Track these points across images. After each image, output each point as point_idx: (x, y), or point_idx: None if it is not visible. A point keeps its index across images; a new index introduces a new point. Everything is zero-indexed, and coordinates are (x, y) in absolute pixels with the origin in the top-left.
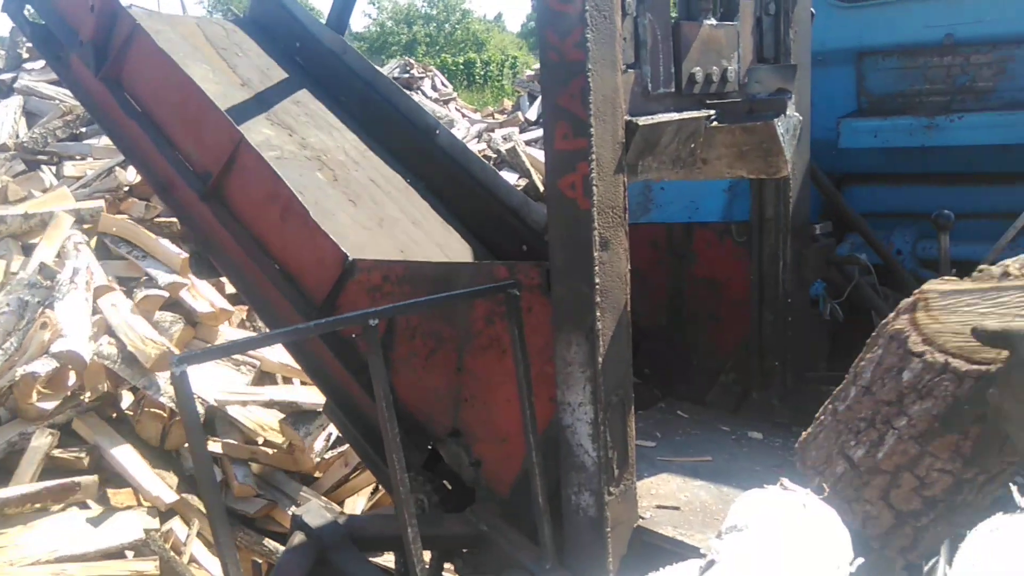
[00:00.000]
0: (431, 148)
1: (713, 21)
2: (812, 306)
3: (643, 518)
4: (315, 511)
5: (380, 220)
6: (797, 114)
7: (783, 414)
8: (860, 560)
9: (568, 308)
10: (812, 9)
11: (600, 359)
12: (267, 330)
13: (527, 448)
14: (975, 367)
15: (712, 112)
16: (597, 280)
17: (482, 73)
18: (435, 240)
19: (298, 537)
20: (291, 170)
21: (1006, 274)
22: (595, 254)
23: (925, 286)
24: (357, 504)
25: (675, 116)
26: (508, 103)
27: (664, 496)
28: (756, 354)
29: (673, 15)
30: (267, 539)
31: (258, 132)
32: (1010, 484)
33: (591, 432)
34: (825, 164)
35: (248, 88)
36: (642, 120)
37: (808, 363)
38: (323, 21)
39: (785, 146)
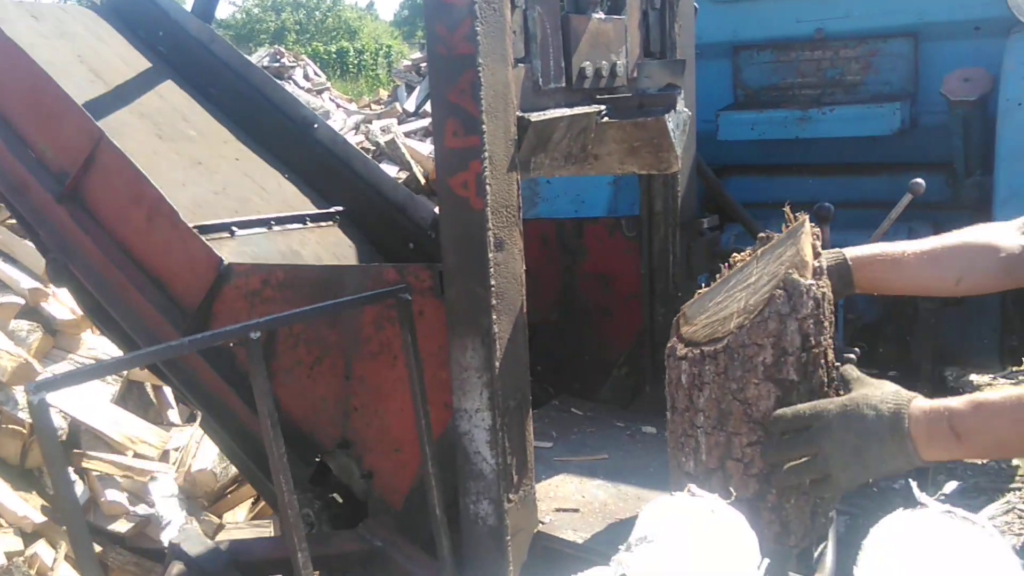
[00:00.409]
0: (309, 142)
1: (601, 14)
2: None
3: (543, 523)
4: (194, 538)
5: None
6: (686, 109)
7: None
8: (767, 561)
9: (463, 311)
10: (695, 3)
11: (497, 363)
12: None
13: (422, 457)
14: (716, 344)
15: (603, 107)
16: (493, 282)
17: (356, 62)
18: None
19: (176, 568)
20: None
21: (733, 263)
22: (490, 255)
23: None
24: (238, 516)
25: (566, 112)
26: (384, 93)
27: (563, 498)
28: (648, 348)
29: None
30: (142, 557)
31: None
32: (909, 480)
33: (489, 439)
34: (705, 156)
35: (108, 80)
36: (534, 116)
37: None
38: (188, 8)
39: (676, 142)
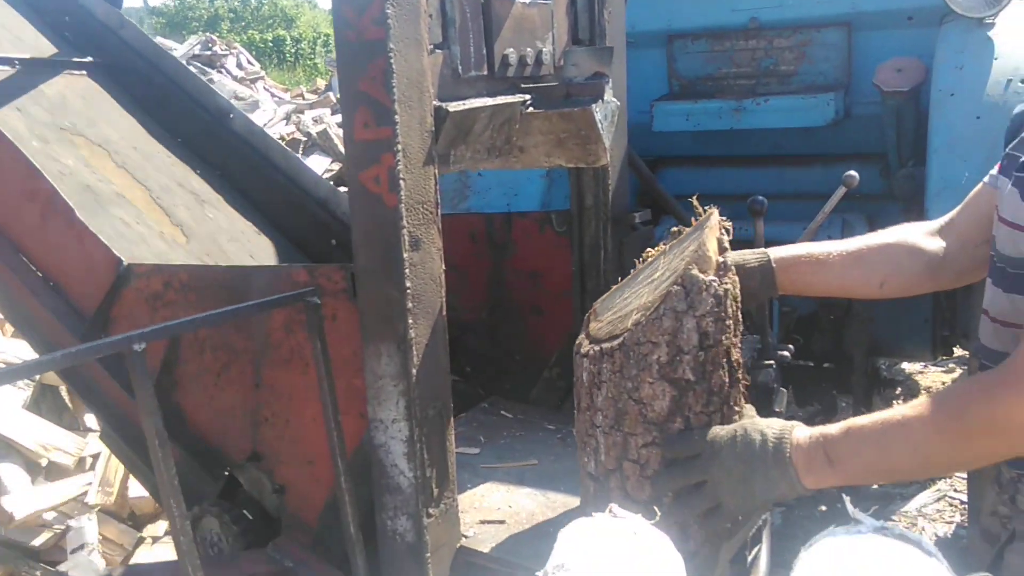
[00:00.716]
0: (225, 134)
1: None
2: None
3: (466, 537)
4: (85, 566)
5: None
6: (615, 99)
7: None
8: None
9: (377, 315)
10: None
11: (414, 370)
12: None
13: (335, 471)
14: (613, 341)
15: (527, 97)
16: (408, 284)
17: (293, 51)
18: (233, 234)
19: None
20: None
21: (645, 259)
22: (405, 255)
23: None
24: (160, 527)
25: (488, 101)
26: (322, 82)
27: (488, 509)
28: None
29: None
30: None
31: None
32: (843, 496)
33: (407, 450)
34: (639, 147)
35: (6, 67)
36: (453, 106)
37: None
38: None
39: (604, 133)
